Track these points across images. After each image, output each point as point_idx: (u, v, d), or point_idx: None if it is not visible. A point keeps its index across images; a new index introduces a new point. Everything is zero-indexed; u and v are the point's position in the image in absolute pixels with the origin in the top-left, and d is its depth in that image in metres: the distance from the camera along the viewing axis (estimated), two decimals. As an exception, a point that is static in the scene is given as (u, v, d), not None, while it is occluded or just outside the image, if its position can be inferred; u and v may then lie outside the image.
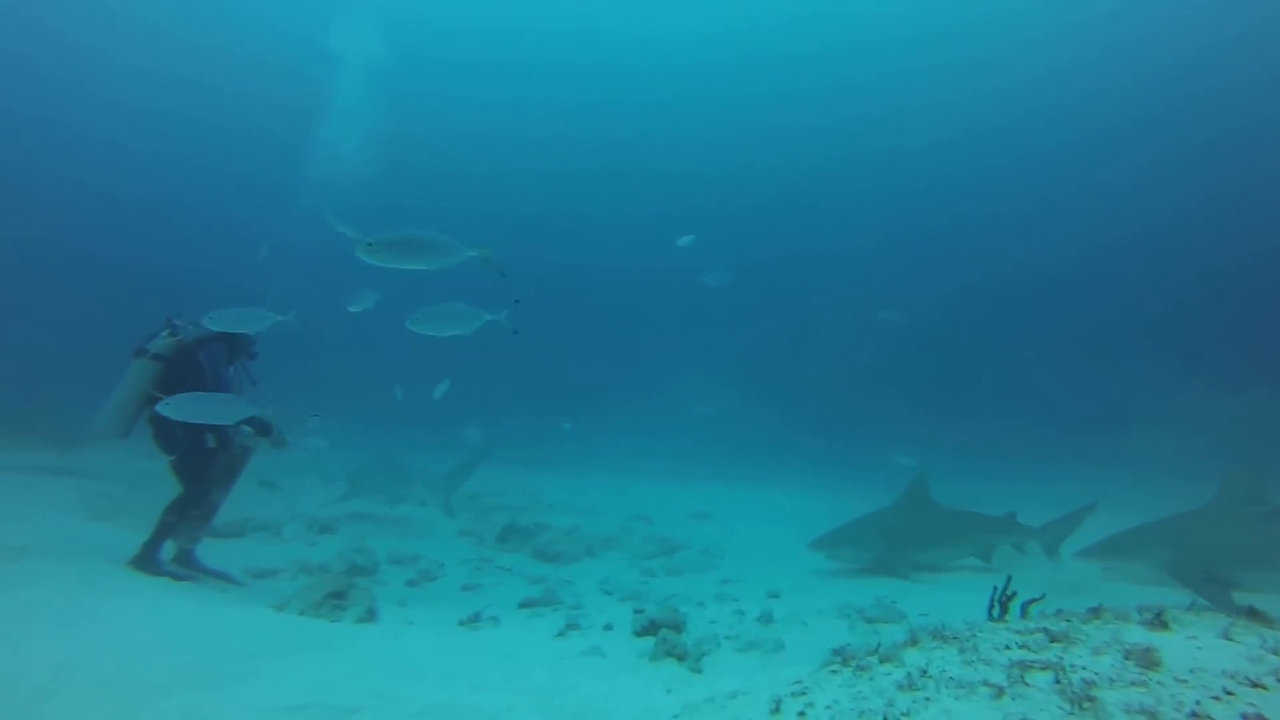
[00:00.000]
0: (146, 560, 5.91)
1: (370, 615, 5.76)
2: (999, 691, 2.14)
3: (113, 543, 6.30)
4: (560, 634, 5.63)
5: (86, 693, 3.28)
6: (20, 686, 3.28)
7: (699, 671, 4.73)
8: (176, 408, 5.37)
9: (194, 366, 6.13)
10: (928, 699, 2.23)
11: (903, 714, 2.21)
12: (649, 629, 5.56)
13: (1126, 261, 32.91)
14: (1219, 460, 9.18)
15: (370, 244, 5.35)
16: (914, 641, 3.03)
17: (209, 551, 6.64)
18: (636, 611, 6.17)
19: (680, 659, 4.87)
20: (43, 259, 31.99)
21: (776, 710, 2.68)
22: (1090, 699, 1.99)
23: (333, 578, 6.33)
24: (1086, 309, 32.20)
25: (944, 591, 7.30)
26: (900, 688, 2.44)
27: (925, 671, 2.49)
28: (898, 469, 15.10)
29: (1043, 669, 2.19)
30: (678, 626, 5.55)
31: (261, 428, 6.36)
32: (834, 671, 3.00)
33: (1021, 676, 2.19)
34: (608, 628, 5.80)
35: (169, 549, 6.18)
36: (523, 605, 6.65)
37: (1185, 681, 2.08)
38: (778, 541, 9.80)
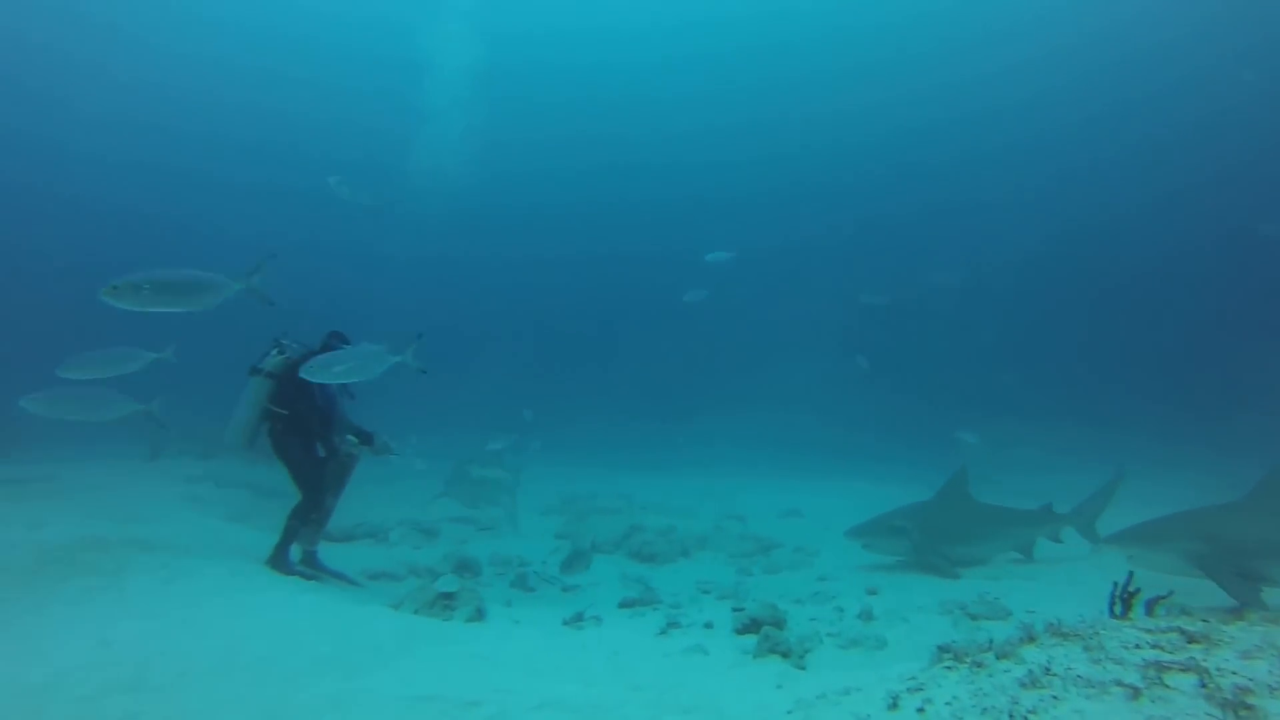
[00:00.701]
0: (279, 561, 6.42)
1: (479, 615, 6.03)
2: (1135, 693, 2.06)
3: (248, 542, 6.86)
4: (662, 632, 5.73)
5: (250, 674, 3.70)
6: (200, 663, 3.76)
7: (803, 668, 4.75)
8: (318, 370, 5.83)
9: (301, 382, 6.58)
10: (1055, 697, 2.18)
11: (1029, 712, 2.18)
12: (750, 627, 5.59)
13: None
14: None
15: (115, 287, 5.09)
16: (1031, 638, 2.97)
17: (326, 553, 7.09)
18: (736, 610, 6.21)
19: (784, 656, 4.90)
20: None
21: (894, 706, 2.68)
22: (1246, 706, 1.88)
23: (444, 579, 6.65)
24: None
25: (1042, 585, 7.09)
26: (1023, 685, 2.41)
27: (1049, 669, 2.45)
28: (963, 447, 14.84)
29: (1183, 671, 2.09)
30: (779, 624, 5.56)
31: (364, 437, 6.80)
32: (949, 668, 2.98)
33: (1160, 678, 2.10)
34: (708, 626, 5.86)
35: (296, 551, 6.65)
36: (623, 605, 6.79)
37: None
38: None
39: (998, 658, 2.86)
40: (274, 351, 6.70)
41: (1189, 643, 2.32)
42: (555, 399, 22.66)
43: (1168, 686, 2.06)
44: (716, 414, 22.54)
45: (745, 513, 11.45)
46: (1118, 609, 3.32)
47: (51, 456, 11.57)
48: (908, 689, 2.84)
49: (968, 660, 2.96)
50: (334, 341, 6.98)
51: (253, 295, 5.76)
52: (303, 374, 5.95)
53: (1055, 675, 2.34)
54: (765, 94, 37.28)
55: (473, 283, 37.40)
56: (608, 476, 15.05)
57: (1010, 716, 2.21)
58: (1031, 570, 7.82)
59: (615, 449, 18.02)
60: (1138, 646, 2.35)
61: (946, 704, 2.54)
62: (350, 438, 6.79)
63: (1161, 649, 2.31)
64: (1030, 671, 2.50)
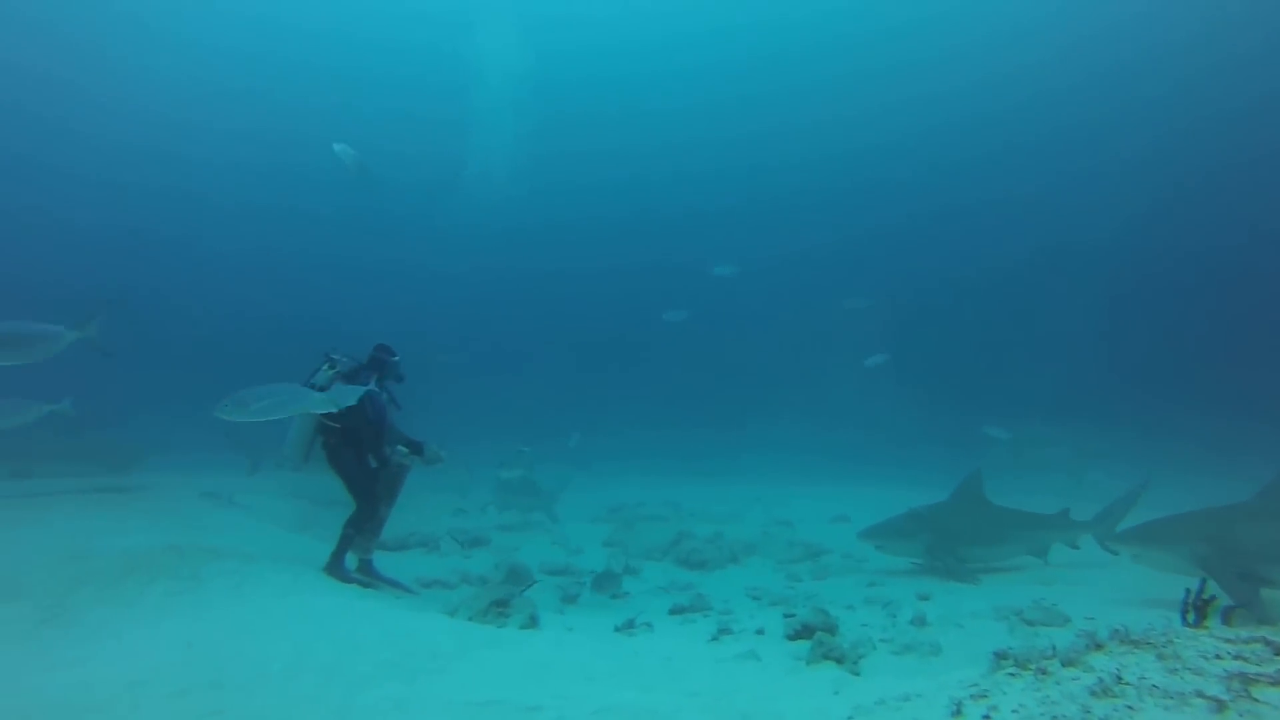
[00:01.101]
0: (335, 568, 6.59)
1: (532, 621, 6.12)
2: (1220, 705, 1.98)
3: (309, 551, 7.06)
4: (714, 639, 5.74)
5: (318, 676, 3.83)
6: (273, 665, 3.93)
7: (857, 674, 4.71)
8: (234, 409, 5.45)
9: None
10: (1131, 708, 2.13)
11: (1102, 720, 2.14)
12: (801, 633, 5.58)
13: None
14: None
15: None
16: (1098, 645, 2.91)
17: (380, 561, 7.26)
18: (786, 616, 6.19)
19: (838, 662, 4.86)
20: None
21: (958, 713, 2.66)
22: None
23: (495, 587, 6.76)
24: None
25: (1092, 590, 7.00)
26: (1094, 694, 2.36)
27: (1120, 678, 2.40)
28: (989, 441, 14.54)
29: (1272, 684, 2.00)
30: (831, 630, 5.53)
31: (414, 447, 6.96)
32: (1012, 675, 2.93)
33: (1246, 690, 2.01)
34: (760, 632, 5.86)
35: (351, 560, 6.82)
36: (673, 612, 6.81)
37: None
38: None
39: (1063, 665, 2.81)
40: (325, 367, 6.90)
41: (1276, 654, 2.23)
42: (601, 409, 22.88)
43: (1256, 700, 1.97)
44: (763, 421, 22.47)
45: (793, 518, 11.41)
46: (1190, 617, 3.23)
47: (169, 467, 12.67)
48: (970, 695, 2.81)
49: (1031, 667, 2.91)
50: (381, 354, 7.17)
51: (89, 346, 5.68)
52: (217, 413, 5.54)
53: (1128, 684, 2.28)
54: (804, 96, 37.11)
55: (518, 295, 37.82)
56: (654, 484, 15.10)
57: (1082, 725, 2.18)
58: (1080, 575, 7.68)
59: (661, 457, 18.07)
60: (1218, 657, 2.28)
61: (1013, 711, 2.50)
62: (400, 448, 6.97)
63: (1246, 660, 2.23)
64: (1100, 680, 2.45)
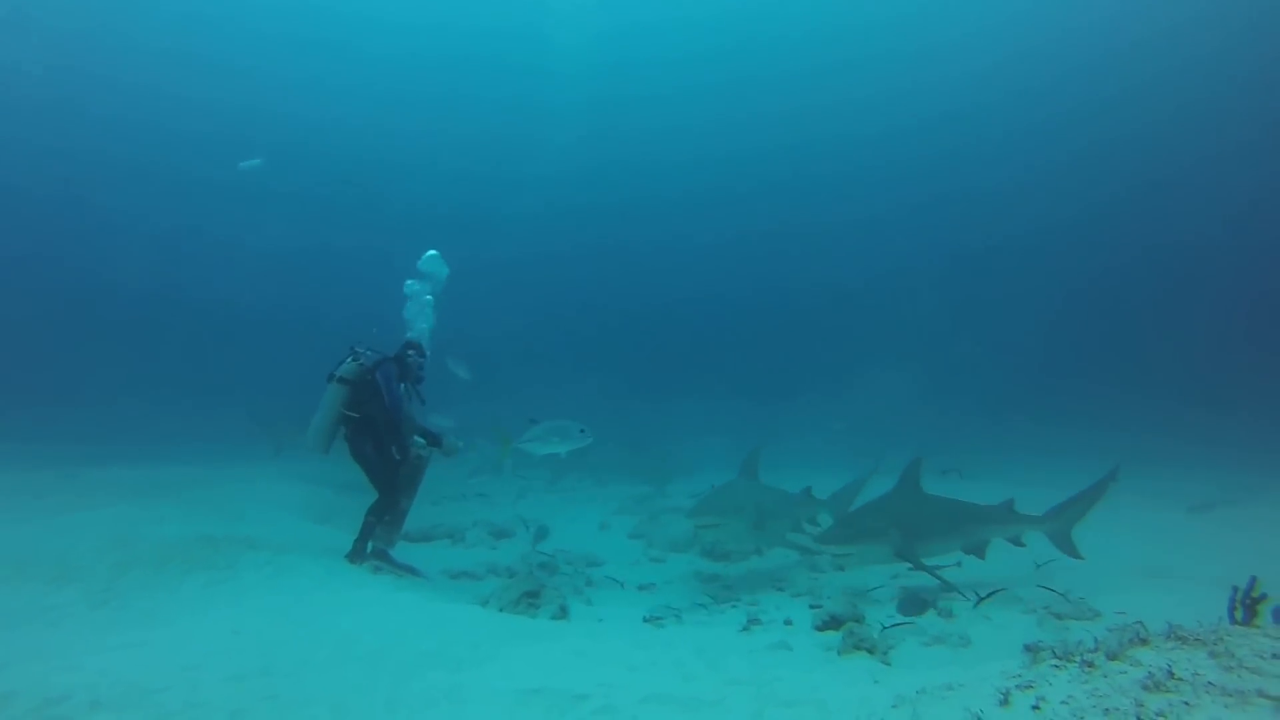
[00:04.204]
0: (357, 556, 6.73)
1: (563, 612, 6.20)
2: None
3: (335, 542, 7.15)
4: (744, 629, 5.80)
5: (364, 665, 3.93)
6: (319, 653, 4.02)
7: (889, 664, 4.77)
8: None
9: (372, 386, 6.86)
10: (1187, 704, 2.16)
11: (1158, 715, 2.18)
12: (830, 623, 5.64)
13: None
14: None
15: None
16: (1143, 640, 2.95)
17: (404, 552, 7.35)
18: (813, 607, 6.26)
19: (870, 652, 4.93)
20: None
21: (1006, 702, 2.70)
22: None
23: (525, 578, 6.85)
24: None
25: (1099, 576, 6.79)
26: (1146, 688, 2.40)
27: (1172, 673, 2.43)
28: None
29: None
30: (859, 620, 5.59)
31: (433, 438, 7.07)
32: (1056, 667, 2.97)
33: None
34: (788, 623, 5.91)
35: (370, 547, 6.93)
36: (699, 603, 6.88)
37: None
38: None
39: (1109, 658, 2.85)
40: (349, 359, 7.01)
41: (1333, 654, 2.26)
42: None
43: (1318, 703, 2.01)
44: (787, 409, 22.35)
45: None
46: (1239, 615, 3.25)
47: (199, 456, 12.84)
48: (1016, 686, 2.85)
49: (1076, 659, 2.95)
50: (406, 352, 7.27)
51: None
52: None
53: (1182, 680, 2.31)
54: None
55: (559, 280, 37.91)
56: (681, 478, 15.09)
57: (1138, 719, 2.22)
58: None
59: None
60: (1276, 656, 2.30)
61: (1063, 703, 2.54)
62: (418, 439, 7.08)
63: (1303, 659, 2.26)
64: (1151, 674, 2.48)
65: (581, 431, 7.41)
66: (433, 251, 7.84)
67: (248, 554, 5.93)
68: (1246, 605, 3.26)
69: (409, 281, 7.71)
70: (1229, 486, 11.26)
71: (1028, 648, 3.47)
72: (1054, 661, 3.05)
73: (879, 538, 6.69)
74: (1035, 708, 2.60)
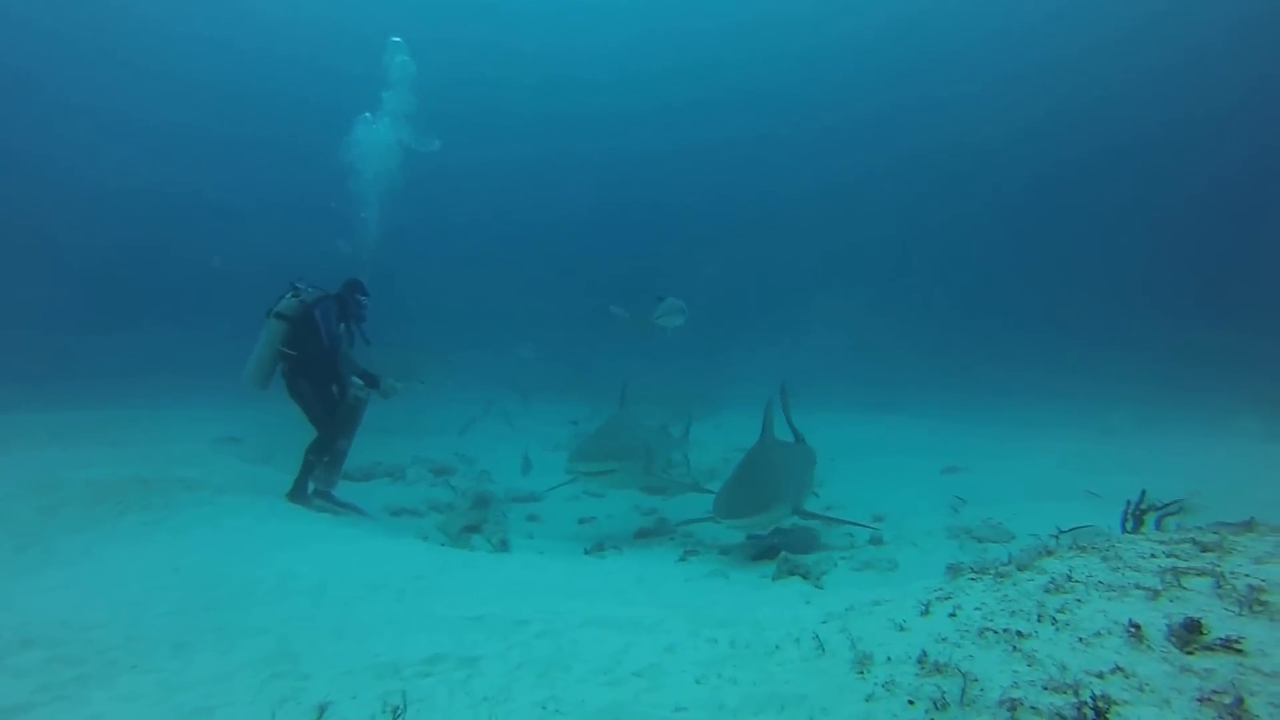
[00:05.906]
0: (299, 495, 6.69)
1: (504, 545, 6.34)
2: (1154, 594, 2.27)
3: (274, 482, 7.05)
4: (682, 559, 6.02)
5: (308, 598, 3.94)
6: (261, 587, 4.06)
7: (821, 588, 5.02)
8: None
9: (310, 322, 6.72)
10: (1079, 600, 2.40)
11: (1056, 611, 2.40)
12: (765, 553, 5.90)
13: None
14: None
15: None
16: (1049, 551, 3.21)
17: (345, 492, 7.31)
18: (749, 537, 6.52)
19: (804, 577, 5.18)
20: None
21: (926, 612, 2.92)
22: (1261, 602, 2.08)
23: (466, 513, 6.91)
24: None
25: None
26: (1048, 591, 2.63)
27: (1070, 577, 2.67)
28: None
29: (1199, 575, 2.30)
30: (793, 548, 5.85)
31: (370, 379, 7.05)
32: (973, 579, 3.22)
33: (1177, 581, 2.30)
34: (725, 553, 6.15)
35: (311, 486, 6.88)
36: (639, 535, 7.08)
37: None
38: (880, 471, 9.91)
39: (1019, 569, 3.09)
40: (289, 295, 6.83)
41: (1203, 551, 2.53)
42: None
43: (1185, 588, 2.26)
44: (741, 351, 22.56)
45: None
46: (1129, 525, 3.56)
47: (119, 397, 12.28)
48: (936, 598, 3.07)
49: (990, 572, 3.19)
50: (349, 290, 7.11)
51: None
52: None
53: (1078, 582, 2.54)
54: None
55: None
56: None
57: (1039, 618, 2.43)
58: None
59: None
60: (1153, 556, 2.56)
61: (976, 609, 2.76)
62: (355, 380, 7.01)
63: (1177, 557, 2.52)
64: (1053, 579, 2.72)
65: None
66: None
67: (185, 495, 5.81)
68: (1135, 516, 3.57)
69: None
70: (1135, 417, 12.07)
71: (950, 568, 3.73)
72: (971, 575, 3.30)
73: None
74: (952, 615, 2.81)
